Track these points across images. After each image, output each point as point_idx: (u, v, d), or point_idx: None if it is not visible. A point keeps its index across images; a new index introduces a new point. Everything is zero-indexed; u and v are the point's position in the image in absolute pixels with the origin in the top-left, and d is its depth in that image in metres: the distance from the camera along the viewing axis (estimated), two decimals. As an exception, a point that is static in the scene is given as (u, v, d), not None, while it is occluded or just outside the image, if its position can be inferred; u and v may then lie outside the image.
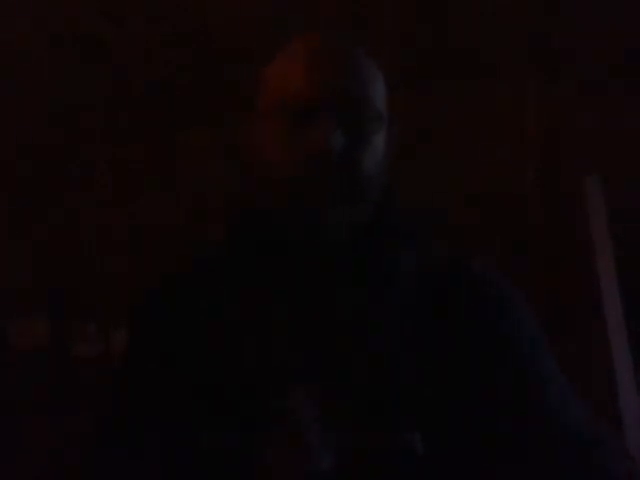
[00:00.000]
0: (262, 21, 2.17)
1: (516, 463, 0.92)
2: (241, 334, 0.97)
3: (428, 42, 2.22)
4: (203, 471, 0.94)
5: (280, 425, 0.91)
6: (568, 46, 2.17)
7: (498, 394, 0.95)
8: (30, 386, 2.06)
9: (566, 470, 0.91)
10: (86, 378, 2.01)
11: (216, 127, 2.19)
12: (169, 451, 0.96)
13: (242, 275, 1.02)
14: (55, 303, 2.27)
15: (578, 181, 1.93)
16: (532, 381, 0.97)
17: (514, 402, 0.95)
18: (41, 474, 1.91)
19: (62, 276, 2.31)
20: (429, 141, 2.21)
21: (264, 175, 0.99)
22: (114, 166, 2.33)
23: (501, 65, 2.21)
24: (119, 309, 1.98)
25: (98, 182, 2.34)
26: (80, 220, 2.34)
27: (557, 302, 2.08)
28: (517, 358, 0.98)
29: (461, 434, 0.92)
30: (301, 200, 0.96)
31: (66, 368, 2.11)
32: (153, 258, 2.20)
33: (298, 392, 0.92)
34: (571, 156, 2.15)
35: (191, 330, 1.00)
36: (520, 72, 2.21)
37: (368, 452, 0.90)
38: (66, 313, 2.26)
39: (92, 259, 2.32)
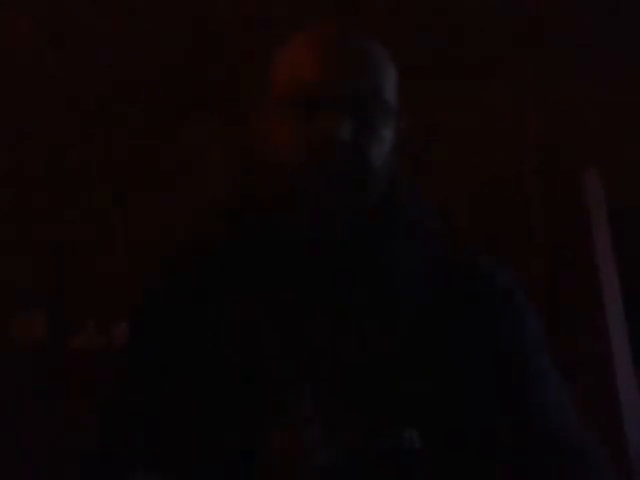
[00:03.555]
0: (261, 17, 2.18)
1: (507, 463, 0.92)
2: (243, 331, 0.97)
3: (429, 42, 2.23)
4: (204, 467, 0.94)
5: (281, 422, 0.91)
6: (568, 46, 2.18)
7: (495, 393, 0.95)
8: (30, 378, 2.06)
9: (548, 475, 0.91)
10: (84, 370, 2.01)
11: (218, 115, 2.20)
12: (169, 446, 0.96)
13: (244, 271, 1.01)
14: (54, 298, 2.27)
15: (578, 176, 1.93)
16: (529, 382, 0.97)
17: (510, 402, 0.95)
18: (41, 456, 1.91)
19: (62, 272, 2.31)
20: (429, 140, 2.21)
21: (270, 160, 0.99)
22: (114, 166, 2.34)
23: (501, 65, 2.22)
24: (118, 305, 1.98)
25: (99, 181, 2.35)
26: (81, 219, 2.34)
27: (558, 298, 2.08)
28: (516, 359, 0.98)
29: (459, 432, 0.92)
30: (303, 186, 0.95)
31: (64, 361, 2.12)
32: (153, 257, 2.19)
33: (299, 390, 0.92)
34: (571, 153, 2.16)
35: (192, 328, 1.00)
36: (520, 72, 2.22)
37: (367, 450, 0.90)
38: (65, 308, 2.26)
39: (92, 256, 2.33)
